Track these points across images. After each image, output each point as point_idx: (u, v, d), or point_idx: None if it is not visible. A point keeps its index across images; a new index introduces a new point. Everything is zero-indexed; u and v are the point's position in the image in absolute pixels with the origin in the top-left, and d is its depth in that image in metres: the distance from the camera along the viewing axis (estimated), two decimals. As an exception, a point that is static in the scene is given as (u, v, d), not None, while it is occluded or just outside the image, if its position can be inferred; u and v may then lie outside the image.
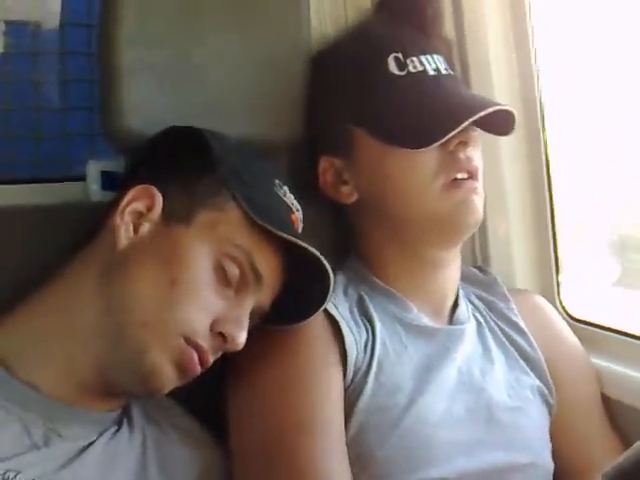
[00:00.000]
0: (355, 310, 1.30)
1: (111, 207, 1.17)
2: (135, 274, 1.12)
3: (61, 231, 1.23)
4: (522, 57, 1.57)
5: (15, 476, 1.03)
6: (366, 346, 1.27)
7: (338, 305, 1.28)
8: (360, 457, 1.22)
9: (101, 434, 1.13)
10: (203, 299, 1.12)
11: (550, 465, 1.35)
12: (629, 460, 1.07)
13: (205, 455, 1.22)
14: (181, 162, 1.20)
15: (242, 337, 1.14)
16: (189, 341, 1.11)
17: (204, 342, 1.12)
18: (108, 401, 1.16)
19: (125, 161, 1.32)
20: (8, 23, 1.61)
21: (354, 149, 1.35)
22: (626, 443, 1.27)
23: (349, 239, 1.41)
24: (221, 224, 1.15)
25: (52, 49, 1.64)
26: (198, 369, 1.13)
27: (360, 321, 1.29)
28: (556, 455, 1.37)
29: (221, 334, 1.13)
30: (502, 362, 1.38)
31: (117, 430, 1.16)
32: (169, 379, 1.12)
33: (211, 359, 1.14)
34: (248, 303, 1.16)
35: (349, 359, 1.24)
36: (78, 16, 1.63)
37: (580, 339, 1.48)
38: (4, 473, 1.03)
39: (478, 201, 1.32)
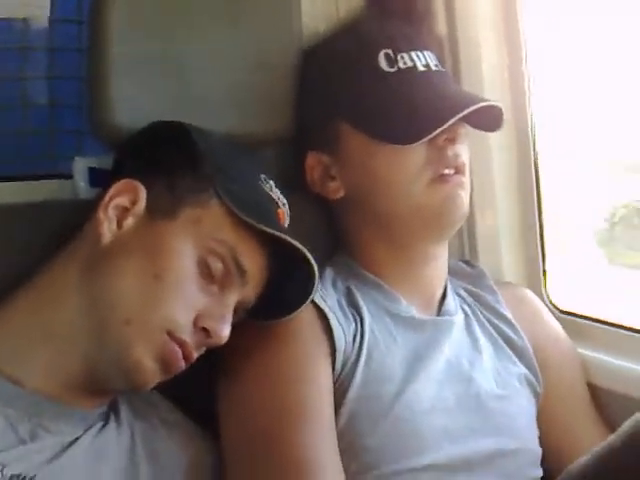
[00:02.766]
0: (343, 302, 1.31)
1: (96, 203, 1.16)
2: (118, 269, 1.12)
3: (48, 229, 1.22)
4: (513, 53, 1.57)
5: (1, 470, 1.03)
6: (355, 337, 1.27)
7: (326, 298, 1.28)
8: (351, 446, 1.23)
9: (87, 430, 1.13)
10: (186, 294, 1.12)
11: (538, 450, 1.37)
12: (592, 466, 1.09)
13: (195, 448, 1.22)
14: (165, 157, 1.19)
15: (225, 332, 1.14)
16: (172, 336, 1.11)
17: (187, 337, 1.12)
18: (94, 397, 1.15)
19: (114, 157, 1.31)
20: (-5, 20, 1.61)
21: (341, 145, 1.35)
22: (611, 429, 1.28)
23: (337, 234, 1.41)
24: (205, 220, 1.15)
25: (41, 45, 1.63)
26: (182, 364, 1.13)
27: (349, 312, 1.29)
28: (543, 440, 1.38)
29: (204, 329, 1.13)
30: (490, 352, 1.39)
31: (104, 426, 1.16)
32: (153, 374, 1.12)
33: (195, 354, 1.14)
34: (232, 298, 1.15)
35: (338, 350, 1.25)
36: (68, 12, 1.62)
37: (567, 330, 1.49)
38: None
39: (464, 196, 1.33)
